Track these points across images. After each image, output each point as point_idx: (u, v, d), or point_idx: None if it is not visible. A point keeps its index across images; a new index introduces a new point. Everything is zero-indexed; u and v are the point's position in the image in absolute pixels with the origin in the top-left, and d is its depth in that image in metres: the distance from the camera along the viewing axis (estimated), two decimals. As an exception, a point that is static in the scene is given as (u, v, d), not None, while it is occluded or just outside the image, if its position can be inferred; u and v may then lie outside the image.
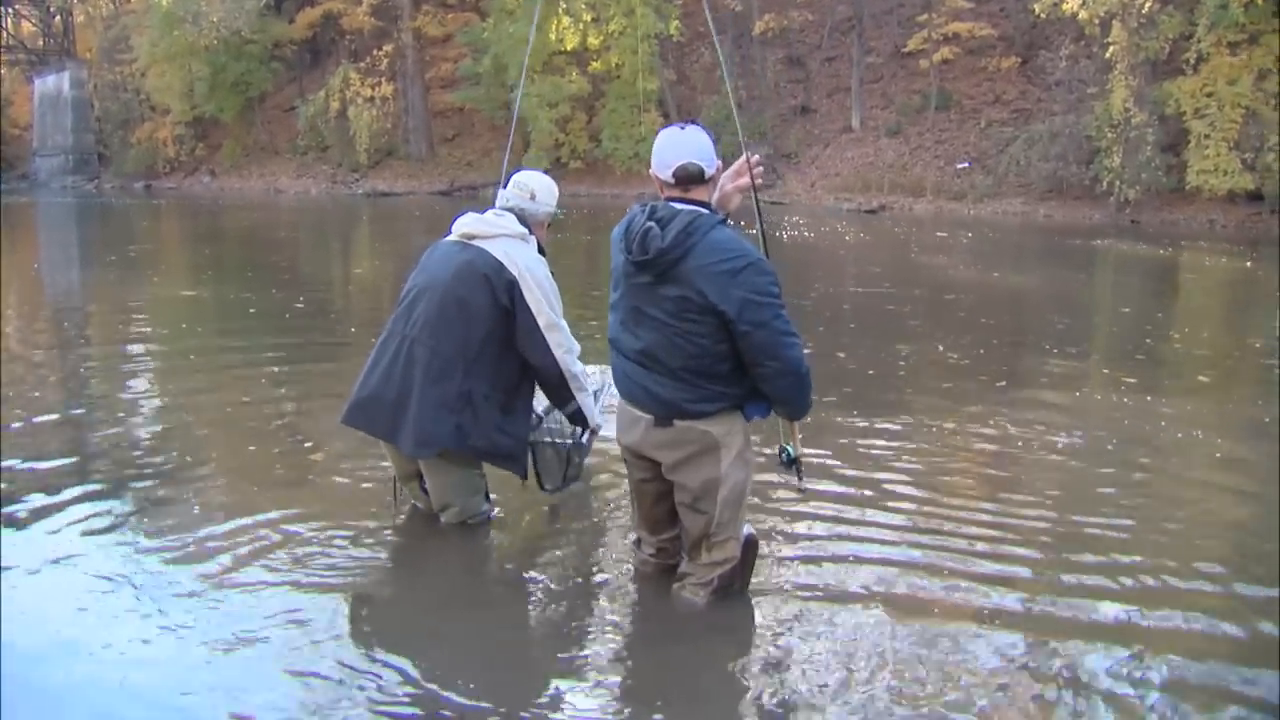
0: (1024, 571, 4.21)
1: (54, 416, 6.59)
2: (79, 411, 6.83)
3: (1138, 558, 4.37)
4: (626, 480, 4.00)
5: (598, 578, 4.12)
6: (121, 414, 6.71)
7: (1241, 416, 7.24)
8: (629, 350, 3.56)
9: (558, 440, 4.66)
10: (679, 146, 3.44)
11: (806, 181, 35.19)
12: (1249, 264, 13.56)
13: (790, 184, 35.05)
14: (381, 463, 5.13)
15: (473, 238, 4.30)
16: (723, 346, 3.38)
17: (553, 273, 4.37)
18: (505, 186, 4.49)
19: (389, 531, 4.57)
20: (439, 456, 4.24)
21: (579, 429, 4.62)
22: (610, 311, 3.66)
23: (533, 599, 4.00)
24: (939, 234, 23.98)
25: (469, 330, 4.14)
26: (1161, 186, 28.45)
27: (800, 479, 3.77)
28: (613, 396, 4.94)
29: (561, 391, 4.36)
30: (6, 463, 5.36)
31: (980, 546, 4.44)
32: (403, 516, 4.67)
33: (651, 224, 3.39)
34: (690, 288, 3.32)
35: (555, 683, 3.34)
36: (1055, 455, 6.02)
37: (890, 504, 5.00)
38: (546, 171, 5.11)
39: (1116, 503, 5.14)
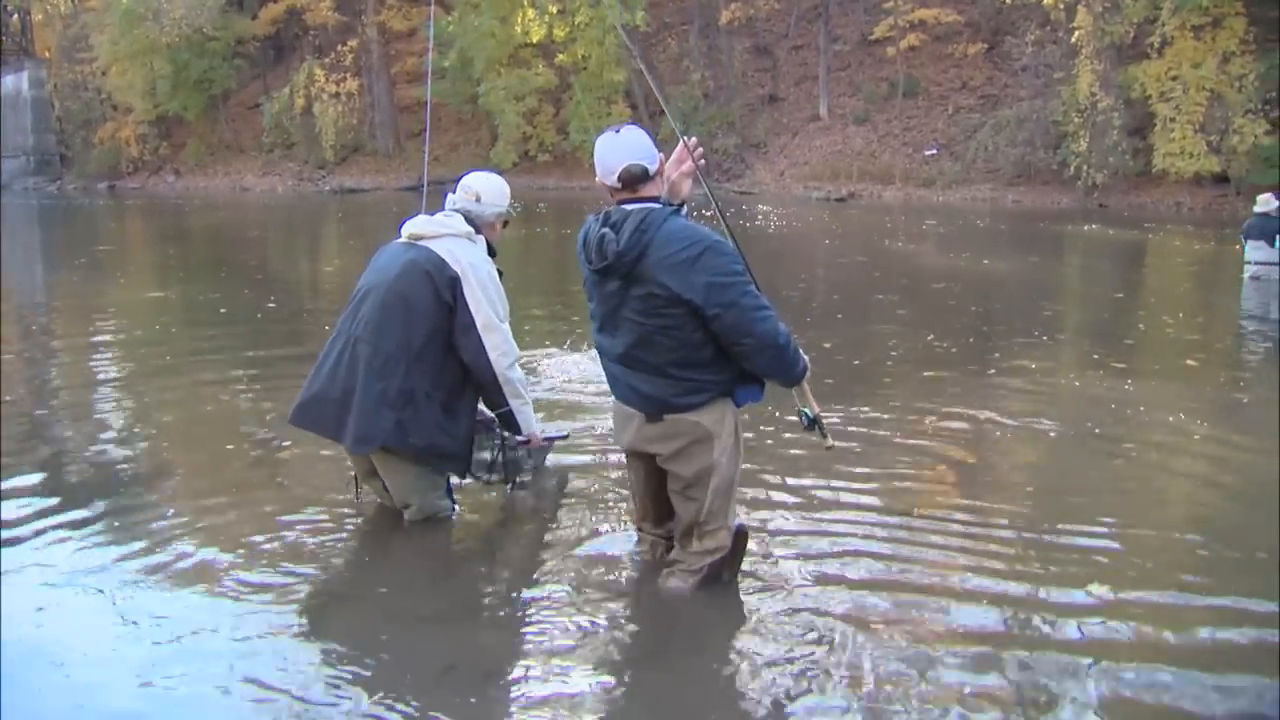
0: (1007, 561, 4.18)
1: (18, 419, 6.44)
2: (43, 413, 6.73)
3: (1119, 546, 4.36)
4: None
5: (567, 577, 4.03)
6: (87, 416, 6.62)
7: (1243, 400, 7.32)
8: (611, 354, 3.62)
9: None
10: (618, 150, 3.48)
11: (775, 170, 35.21)
12: (1238, 247, 13.64)
13: (759, 173, 35.08)
14: (346, 462, 5.08)
15: (419, 238, 4.35)
16: (699, 334, 3.41)
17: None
18: (425, 186, 4.51)
19: (352, 533, 4.52)
20: (390, 454, 4.26)
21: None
22: (590, 320, 3.70)
23: (501, 604, 3.92)
24: (928, 222, 24.01)
25: (411, 328, 4.17)
26: (1128, 170, 28.69)
27: (826, 437, 3.74)
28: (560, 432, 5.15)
29: (494, 395, 4.37)
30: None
31: (961, 540, 4.40)
32: (361, 518, 4.63)
33: (606, 229, 3.44)
34: (654, 283, 3.35)
35: (523, 695, 3.23)
36: (1044, 443, 6.03)
37: (880, 494, 4.98)
38: (499, 171, 5.10)
39: (1102, 496, 5.12)
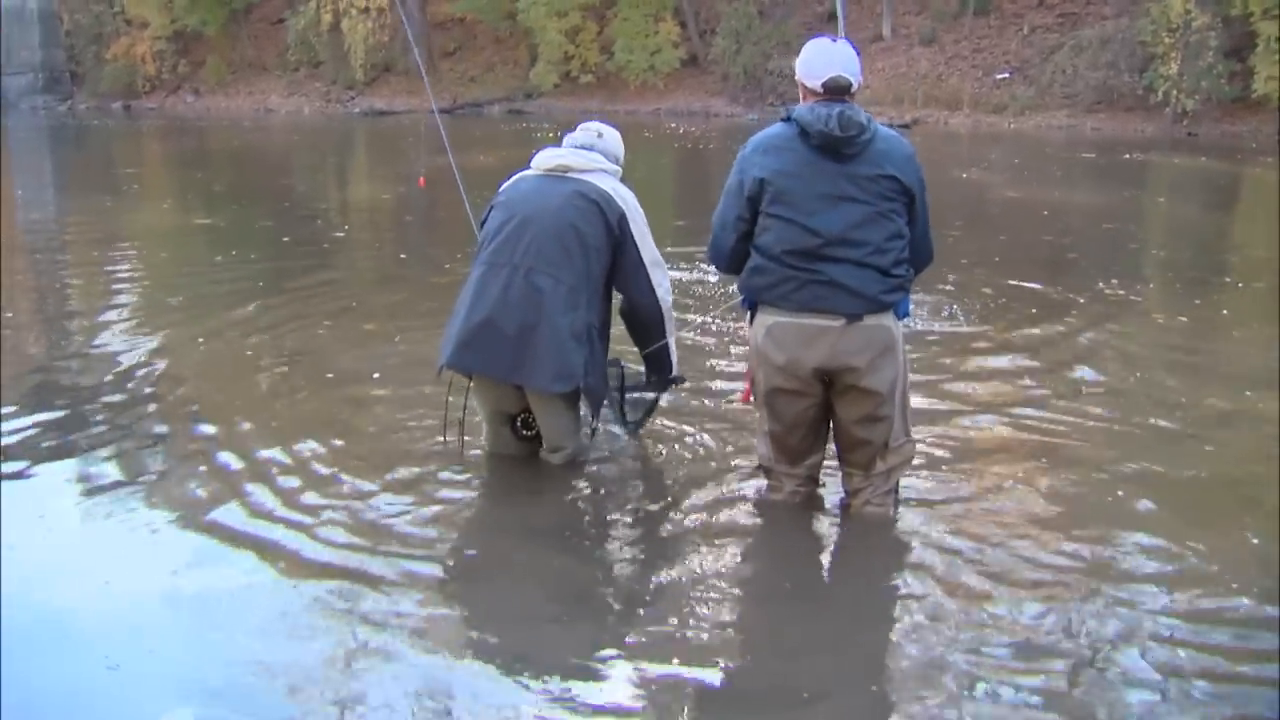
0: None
1: (58, 358, 6.31)
2: (106, 344, 6.49)
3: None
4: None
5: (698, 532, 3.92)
6: (136, 357, 6.19)
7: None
8: (820, 239, 3.50)
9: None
10: (828, 55, 3.62)
11: (832, 95, 33.31)
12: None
13: (816, 97, 33.26)
14: (416, 409, 5.03)
15: (569, 170, 4.22)
16: (907, 228, 3.60)
17: None
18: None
19: (443, 482, 4.34)
20: (554, 396, 4.11)
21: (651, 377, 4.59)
22: (776, 224, 3.58)
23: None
24: (1076, 154, 22.41)
25: (589, 261, 4.08)
26: (1223, 96, 26.88)
27: None
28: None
29: (655, 333, 4.33)
30: (8, 408, 5.10)
31: None
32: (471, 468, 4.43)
33: (840, 107, 3.50)
34: (888, 165, 3.52)
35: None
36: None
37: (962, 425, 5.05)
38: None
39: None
